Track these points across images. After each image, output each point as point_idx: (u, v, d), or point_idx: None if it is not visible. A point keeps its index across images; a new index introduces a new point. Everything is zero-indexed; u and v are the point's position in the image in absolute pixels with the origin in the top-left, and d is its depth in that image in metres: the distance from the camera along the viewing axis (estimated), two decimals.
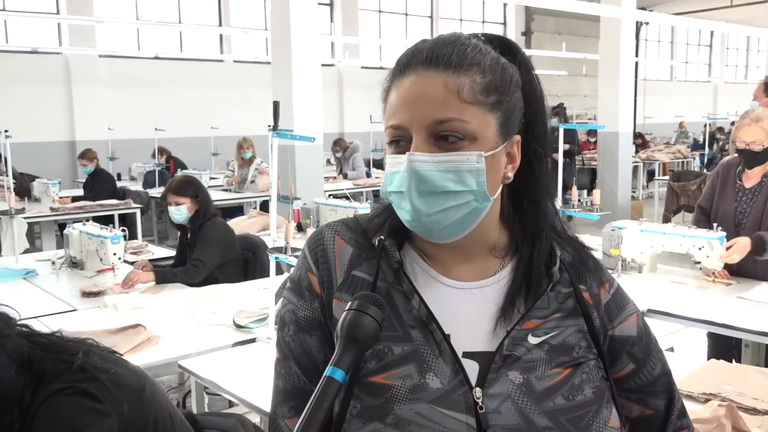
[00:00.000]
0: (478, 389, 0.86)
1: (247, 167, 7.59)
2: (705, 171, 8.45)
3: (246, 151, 7.50)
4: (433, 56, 0.86)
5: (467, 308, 0.92)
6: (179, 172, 8.28)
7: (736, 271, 3.18)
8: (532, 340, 0.89)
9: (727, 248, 3.03)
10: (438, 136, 0.85)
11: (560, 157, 4.14)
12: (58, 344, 1.41)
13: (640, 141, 12.59)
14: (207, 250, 3.57)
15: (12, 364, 1.29)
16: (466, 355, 0.89)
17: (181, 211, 3.59)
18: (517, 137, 0.91)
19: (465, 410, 0.85)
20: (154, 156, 8.68)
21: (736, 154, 3.20)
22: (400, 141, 0.88)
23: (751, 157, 3.10)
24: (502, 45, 0.93)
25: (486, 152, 0.86)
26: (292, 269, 2.46)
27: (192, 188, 3.65)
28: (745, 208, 3.15)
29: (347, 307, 0.80)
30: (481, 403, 0.85)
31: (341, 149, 8.73)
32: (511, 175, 0.91)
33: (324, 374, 0.75)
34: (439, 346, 0.88)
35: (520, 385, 0.87)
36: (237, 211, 7.20)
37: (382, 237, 0.94)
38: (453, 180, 0.85)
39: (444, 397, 0.85)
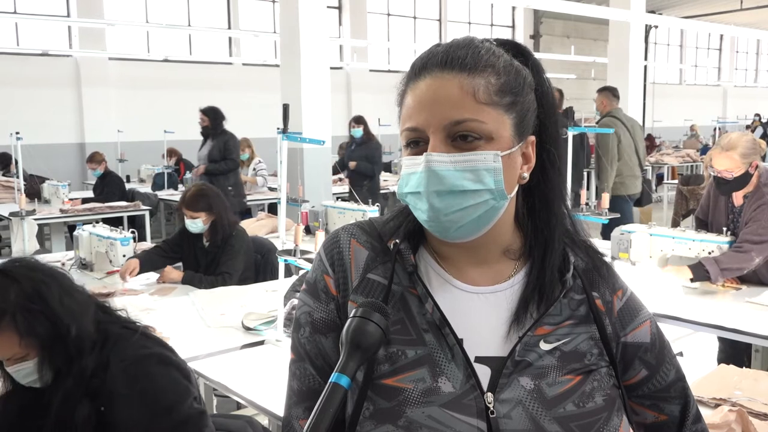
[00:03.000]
0: (489, 394, 0.86)
1: (246, 168, 7.58)
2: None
3: (242, 152, 7.49)
4: (448, 59, 0.87)
5: (481, 313, 0.92)
6: (188, 175, 8.30)
7: (745, 278, 3.16)
8: (544, 346, 0.89)
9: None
10: (455, 137, 0.86)
11: (569, 161, 4.13)
12: (121, 316, 1.62)
13: (649, 144, 12.54)
14: (235, 262, 3.51)
15: (85, 312, 1.49)
16: (479, 359, 0.89)
17: (196, 224, 3.50)
18: (532, 138, 0.92)
19: (476, 414, 0.85)
20: (164, 158, 8.72)
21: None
22: (416, 143, 0.88)
23: (723, 185, 3.08)
24: (513, 49, 0.94)
25: (502, 152, 0.86)
26: (301, 271, 2.46)
27: (205, 201, 3.51)
28: (736, 226, 3.14)
29: (351, 315, 0.80)
30: (492, 408, 0.85)
31: None
32: (526, 175, 0.92)
33: (329, 380, 0.76)
34: (452, 350, 0.88)
35: (531, 391, 0.87)
36: (245, 213, 7.21)
37: (397, 240, 0.94)
38: (471, 179, 0.85)
39: (456, 401, 0.86)
